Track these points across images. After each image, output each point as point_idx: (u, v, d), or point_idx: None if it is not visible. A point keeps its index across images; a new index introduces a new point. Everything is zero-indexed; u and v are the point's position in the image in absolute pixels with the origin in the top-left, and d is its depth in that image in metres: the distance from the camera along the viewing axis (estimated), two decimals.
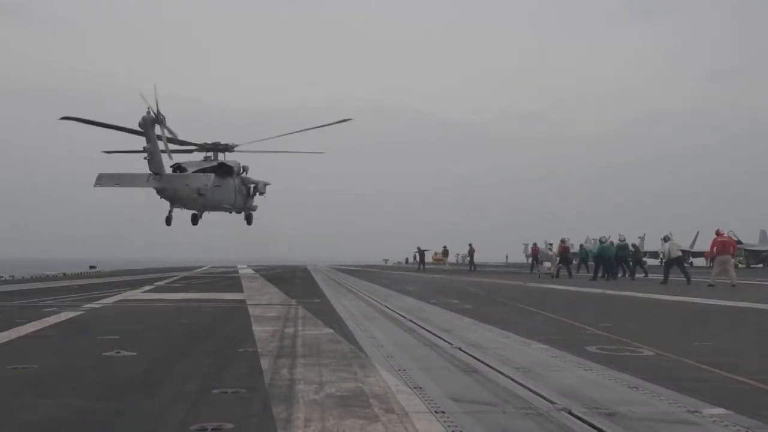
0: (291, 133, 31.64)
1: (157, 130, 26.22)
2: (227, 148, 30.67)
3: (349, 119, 31.20)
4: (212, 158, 30.71)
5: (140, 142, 27.14)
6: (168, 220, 30.00)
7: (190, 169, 28.75)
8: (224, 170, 30.04)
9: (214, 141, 30.62)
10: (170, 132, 26.99)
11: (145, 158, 26.71)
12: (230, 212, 32.73)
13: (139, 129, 26.39)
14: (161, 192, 27.95)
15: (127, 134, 27.21)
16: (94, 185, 26.80)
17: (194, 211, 31.17)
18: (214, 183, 27.88)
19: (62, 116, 26.28)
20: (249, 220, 33.85)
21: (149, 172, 26.85)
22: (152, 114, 25.86)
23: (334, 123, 31.11)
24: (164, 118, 26.22)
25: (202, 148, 30.51)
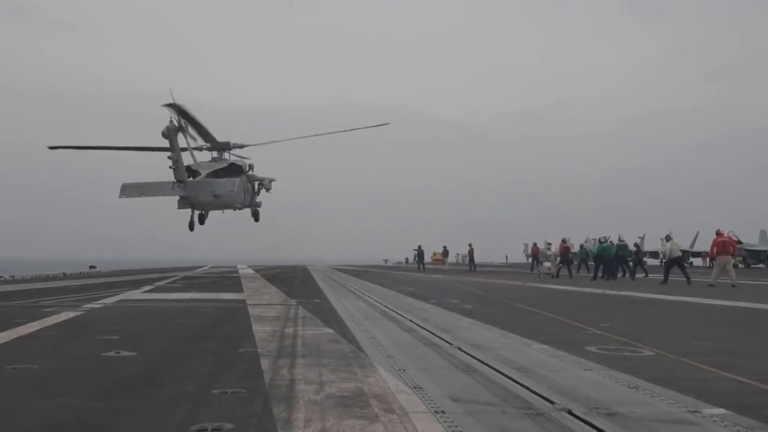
0: (324, 134, 31.99)
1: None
2: (227, 146, 30.79)
3: (387, 123, 31.08)
4: (219, 157, 30.89)
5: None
6: (191, 226, 30.31)
7: (203, 171, 29.01)
8: (234, 170, 30.40)
9: (221, 141, 30.72)
10: (192, 138, 27.35)
11: (170, 167, 26.78)
12: (235, 209, 32.91)
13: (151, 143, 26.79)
14: (185, 200, 27.95)
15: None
16: (119, 196, 26.94)
17: (201, 211, 31.40)
18: (224, 188, 28.04)
19: (50, 146, 26.53)
20: (256, 216, 34.03)
21: (173, 180, 26.94)
22: (175, 123, 25.87)
23: (372, 126, 31.11)
24: (187, 125, 26.25)
25: (211, 148, 30.61)
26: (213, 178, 28.70)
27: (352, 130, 33.13)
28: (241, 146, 30.98)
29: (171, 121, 25.63)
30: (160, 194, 27.68)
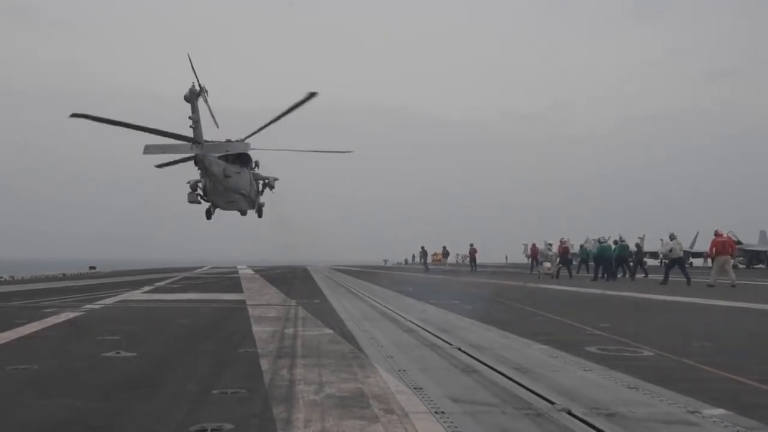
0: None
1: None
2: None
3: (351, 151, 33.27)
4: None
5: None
6: (209, 214, 32.36)
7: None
8: (243, 159, 31.63)
9: (226, 138, 31.19)
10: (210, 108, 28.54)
11: (190, 126, 27.90)
12: (244, 212, 34.47)
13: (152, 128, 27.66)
14: (200, 161, 29.03)
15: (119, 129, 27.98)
16: (143, 153, 28.37)
17: (211, 203, 32.54)
18: (235, 170, 29.90)
19: (72, 113, 26.62)
20: (260, 213, 35.48)
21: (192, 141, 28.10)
22: (196, 87, 27.25)
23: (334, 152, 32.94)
24: (207, 91, 27.66)
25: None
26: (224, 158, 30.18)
27: (315, 151, 34.96)
28: (242, 140, 31.46)
29: (193, 85, 27.05)
30: (180, 152, 29.47)
